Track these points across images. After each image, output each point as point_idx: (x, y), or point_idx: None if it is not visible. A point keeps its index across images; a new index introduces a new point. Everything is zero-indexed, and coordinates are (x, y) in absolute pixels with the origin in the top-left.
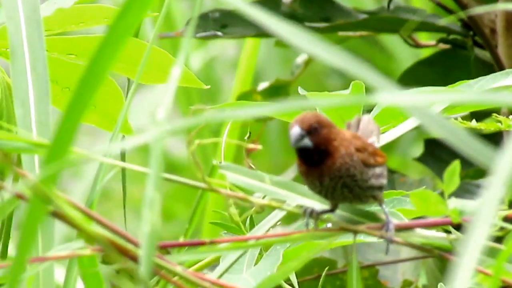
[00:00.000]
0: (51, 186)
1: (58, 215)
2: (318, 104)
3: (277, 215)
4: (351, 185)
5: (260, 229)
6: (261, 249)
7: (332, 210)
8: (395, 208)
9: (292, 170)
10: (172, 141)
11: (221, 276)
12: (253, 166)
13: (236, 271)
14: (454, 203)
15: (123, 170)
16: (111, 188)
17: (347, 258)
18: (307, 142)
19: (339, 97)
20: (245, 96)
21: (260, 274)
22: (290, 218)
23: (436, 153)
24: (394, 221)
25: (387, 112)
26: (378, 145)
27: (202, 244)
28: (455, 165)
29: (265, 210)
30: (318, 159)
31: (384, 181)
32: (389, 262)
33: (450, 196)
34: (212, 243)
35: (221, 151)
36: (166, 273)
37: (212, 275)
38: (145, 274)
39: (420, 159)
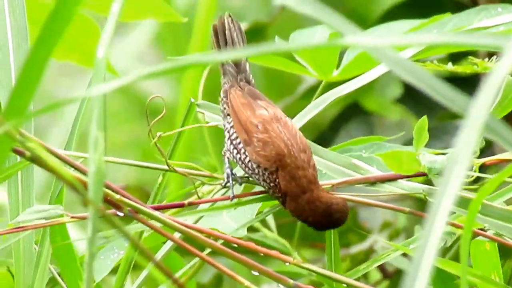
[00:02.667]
0: (18, 123)
1: (35, 160)
2: (293, 47)
3: None
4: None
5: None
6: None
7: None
8: (375, 153)
9: None
10: (155, 84)
11: (200, 219)
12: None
13: (216, 214)
14: (425, 160)
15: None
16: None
17: None
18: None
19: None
20: None
21: (240, 217)
22: None
23: (415, 94)
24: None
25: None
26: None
27: (182, 205)
28: (423, 121)
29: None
30: None
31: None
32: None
33: (430, 136)
34: (190, 204)
35: (199, 92)
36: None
37: (191, 218)
38: (93, 213)
39: (399, 100)
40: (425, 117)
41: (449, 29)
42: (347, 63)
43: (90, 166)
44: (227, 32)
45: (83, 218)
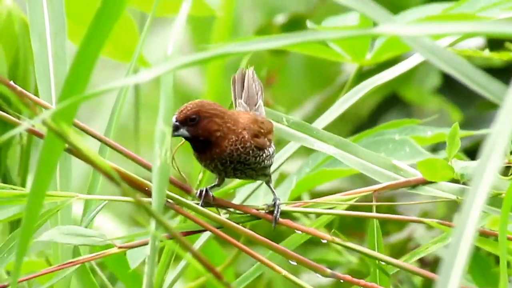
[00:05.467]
0: (67, 121)
1: (74, 151)
2: (326, 36)
3: (291, 148)
4: (243, 169)
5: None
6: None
7: (219, 185)
8: (409, 136)
9: (311, 102)
10: (190, 74)
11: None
12: (272, 100)
13: (253, 200)
14: (457, 167)
15: (137, 104)
16: (127, 126)
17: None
18: (183, 132)
19: (346, 29)
20: (263, 31)
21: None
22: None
23: (454, 84)
24: (280, 200)
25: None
26: (261, 102)
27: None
28: (455, 128)
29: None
30: (202, 147)
31: (273, 159)
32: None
33: (468, 126)
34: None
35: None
36: (181, 208)
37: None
38: (157, 206)
39: (438, 90)
40: (456, 124)
41: (480, 7)
42: (380, 46)
43: (155, 160)
44: (245, 81)
45: (132, 247)
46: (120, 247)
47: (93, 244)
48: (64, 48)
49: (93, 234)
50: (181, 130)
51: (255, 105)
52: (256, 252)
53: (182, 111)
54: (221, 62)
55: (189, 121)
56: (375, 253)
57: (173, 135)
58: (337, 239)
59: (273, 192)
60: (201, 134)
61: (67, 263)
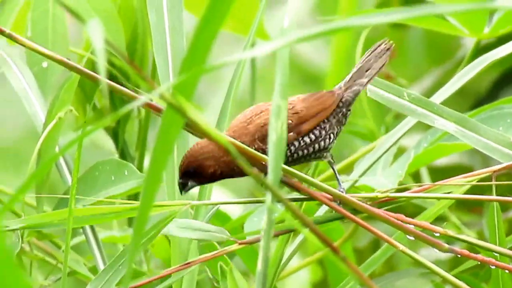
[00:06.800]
0: (187, 95)
1: (192, 126)
2: (444, 10)
3: (408, 122)
4: (289, 163)
5: (393, 136)
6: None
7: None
8: None
9: (430, 77)
10: (311, 49)
11: (356, 181)
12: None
13: (371, 173)
14: None
15: (253, 78)
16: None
17: (485, 164)
18: (192, 184)
19: (464, 3)
20: (383, 4)
21: (392, 173)
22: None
23: None
24: (344, 190)
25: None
26: (364, 81)
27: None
28: None
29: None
30: (234, 175)
31: (328, 140)
32: None
33: None
34: None
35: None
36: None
37: (349, 180)
38: (273, 180)
39: None
40: None
41: None
42: (497, 20)
43: (271, 134)
44: (368, 54)
45: (252, 243)
46: (241, 243)
47: (212, 240)
48: (181, 21)
49: (211, 229)
50: (190, 183)
51: (355, 80)
52: (374, 226)
53: (179, 168)
54: (351, 38)
55: (189, 175)
56: (493, 247)
57: (185, 192)
58: (450, 232)
59: (337, 179)
60: (208, 178)
61: (187, 263)
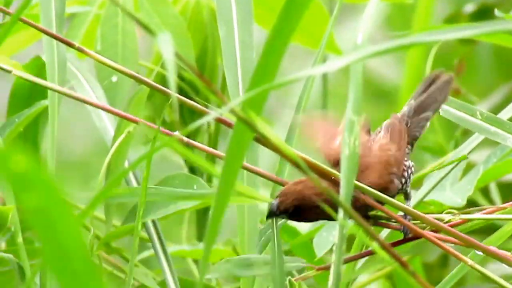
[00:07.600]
0: (256, 110)
1: (261, 140)
2: None
3: (477, 138)
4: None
5: (462, 151)
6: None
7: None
8: None
9: (499, 93)
10: (383, 64)
11: (425, 196)
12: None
13: (440, 188)
14: None
15: (325, 92)
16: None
17: None
18: (284, 217)
19: None
20: (451, 20)
21: (462, 189)
22: None
23: None
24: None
25: None
26: (428, 115)
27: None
28: None
29: None
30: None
31: (408, 180)
32: None
33: None
34: None
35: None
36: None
37: (417, 195)
38: (344, 196)
39: None
40: None
41: None
42: None
43: (344, 149)
44: (432, 86)
45: (327, 269)
46: (318, 269)
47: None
48: (251, 34)
49: (285, 260)
50: (283, 215)
51: (420, 114)
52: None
53: (282, 201)
54: (421, 53)
55: (286, 212)
56: None
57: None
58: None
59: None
60: (302, 220)
61: None
